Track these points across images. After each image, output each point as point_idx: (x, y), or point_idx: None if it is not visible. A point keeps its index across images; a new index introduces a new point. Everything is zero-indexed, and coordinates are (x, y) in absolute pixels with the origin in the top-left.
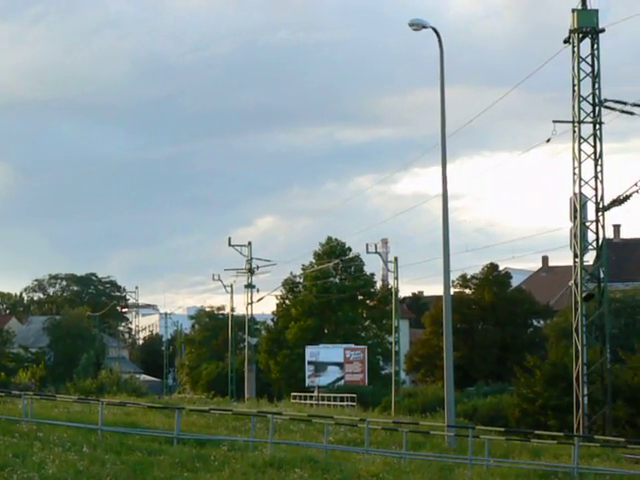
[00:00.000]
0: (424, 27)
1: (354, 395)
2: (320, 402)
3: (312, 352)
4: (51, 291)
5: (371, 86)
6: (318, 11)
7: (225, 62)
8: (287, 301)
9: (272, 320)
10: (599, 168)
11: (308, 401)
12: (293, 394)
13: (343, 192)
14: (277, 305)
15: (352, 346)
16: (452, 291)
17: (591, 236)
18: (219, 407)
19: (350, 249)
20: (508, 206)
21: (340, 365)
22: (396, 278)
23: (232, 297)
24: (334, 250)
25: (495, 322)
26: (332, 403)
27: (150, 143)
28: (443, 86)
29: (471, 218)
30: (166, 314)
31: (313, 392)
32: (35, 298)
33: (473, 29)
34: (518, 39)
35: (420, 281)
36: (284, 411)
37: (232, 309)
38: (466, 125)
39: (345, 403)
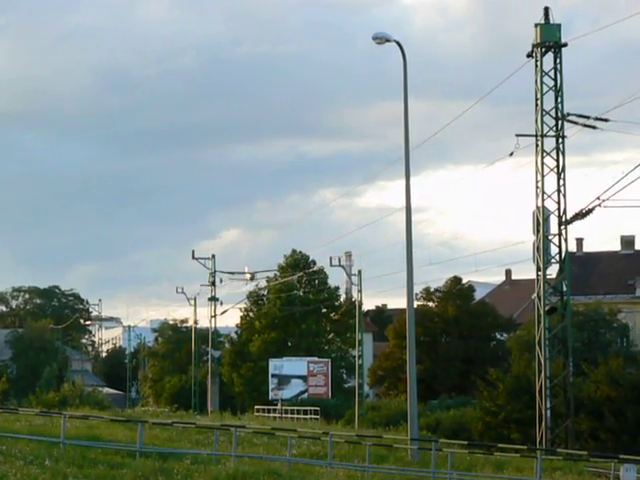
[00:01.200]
0: (388, 41)
1: (317, 408)
2: (283, 415)
3: (276, 365)
4: (14, 304)
5: (335, 99)
6: (282, 24)
7: (188, 75)
8: (251, 314)
9: (236, 333)
10: (562, 182)
11: (271, 414)
12: (256, 407)
13: (307, 205)
14: (241, 318)
15: (316, 359)
16: (415, 304)
17: (554, 249)
18: (182, 420)
19: (314, 262)
20: (472, 219)
21: (304, 378)
22: (360, 291)
23: (195, 310)
24: (298, 263)
25: (458, 335)
26: (295, 416)
27: (114, 156)
28: (407, 99)
29: (435, 231)
30: (129, 327)
31: (276, 405)
32: None
33: (436, 42)
34: (482, 52)
35: (384, 294)
36: (247, 424)
37: (195, 322)
38: (430, 138)
39: (309, 416)
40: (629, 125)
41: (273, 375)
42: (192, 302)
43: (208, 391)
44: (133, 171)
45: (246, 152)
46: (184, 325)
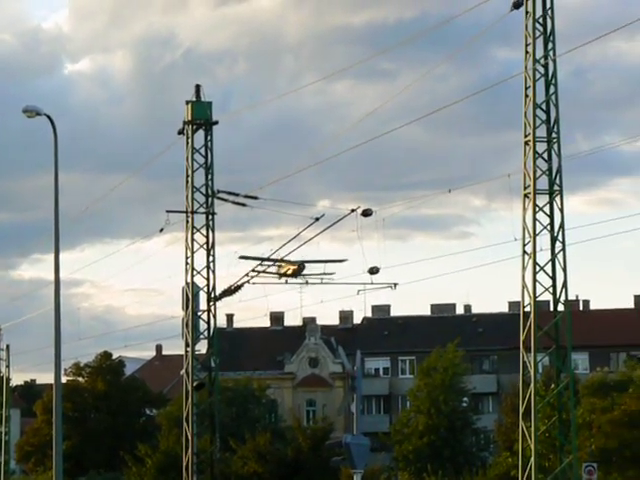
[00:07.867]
0: (38, 114)
1: None
2: None
3: None
4: None
5: None
6: None
7: None
8: None
9: None
10: (211, 258)
11: None
12: None
13: None
14: None
15: None
16: (65, 379)
17: (203, 325)
18: None
19: None
20: (125, 294)
21: None
22: (8, 366)
23: None
24: None
25: (108, 411)
26: None
27: None
28: (57, 174)
29: (89, 305)
30: None
31: None
32: None
33: (98, 114)
34: (140, 126)
35: (34, 369)
36: None
37: None
38: (84, 212)
39: None
40: (283, 202)
41: None
42: None
43: None
44: None
45: None
46: None
